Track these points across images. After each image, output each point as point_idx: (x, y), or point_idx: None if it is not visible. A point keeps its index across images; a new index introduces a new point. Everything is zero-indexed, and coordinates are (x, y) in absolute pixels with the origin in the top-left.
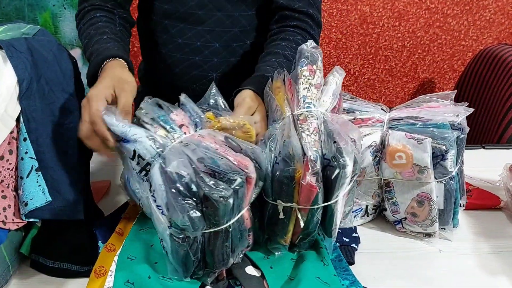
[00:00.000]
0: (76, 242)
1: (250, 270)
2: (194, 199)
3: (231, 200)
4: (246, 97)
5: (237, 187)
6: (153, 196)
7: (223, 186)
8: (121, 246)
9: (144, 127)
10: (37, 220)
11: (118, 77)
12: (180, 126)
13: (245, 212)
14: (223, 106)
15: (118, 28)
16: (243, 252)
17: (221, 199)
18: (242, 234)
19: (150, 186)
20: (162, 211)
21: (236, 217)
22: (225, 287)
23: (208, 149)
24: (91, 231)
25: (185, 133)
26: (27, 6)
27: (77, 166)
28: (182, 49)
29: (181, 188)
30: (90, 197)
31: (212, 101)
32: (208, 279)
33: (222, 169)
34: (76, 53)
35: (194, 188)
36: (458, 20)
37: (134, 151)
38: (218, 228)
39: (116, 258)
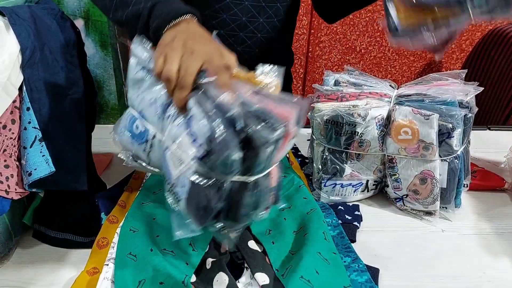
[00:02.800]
0: (79, 213)
1: (252, 244)
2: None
3: (270, 149)
4: None
5: (278, 137)
6: (187, 123)
7: (266, 132)
8: (124, 219)
9: None
10: (40, 191)
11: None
12: None
13: (274, 168)
14: None
15: None
16: (263, 213)
17: (265, 145)
18: (266, 192)
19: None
20: (196, 142)
21: (268, 170)
22: (227, 261)
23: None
24: (94, 202)
25: None
26: None
27: (80, 137)
28: (227, 25)
29: (229, 123)
30: (93, 169)
31: None
32: (227, 234)
33: (266, 115)
34: (79, 24)
35: (239, 125)
36: None
37: None
38: (251, 177)
39: (118, 230)
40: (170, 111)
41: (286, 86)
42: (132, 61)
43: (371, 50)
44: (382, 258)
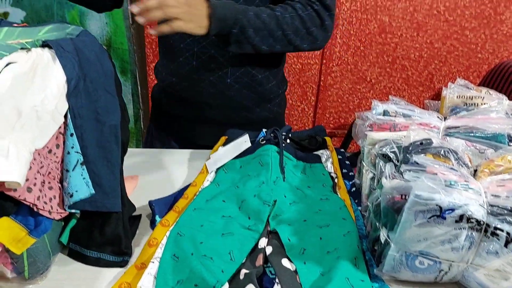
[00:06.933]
0: (112, 233)
1: (285, 262)
2: None
3: None
4: None
5: None
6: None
7: None
8: (175, 223)
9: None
10: (78, 211)
11: None
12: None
13: None
14: None
15: None
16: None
17: None
18: None
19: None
20: None
21: None
22: (259, 274)
23: None
24: (126, 223)
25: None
26: (56, 3)
27: (116, 161)
28: (200, 43)
29: None
30: (124, 191)
31: None
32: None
33: None
34: None
35: None
36: (476, 33)
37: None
38: None
39: (168, 233)
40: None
41: (281, 111)
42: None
43: (381, 80)
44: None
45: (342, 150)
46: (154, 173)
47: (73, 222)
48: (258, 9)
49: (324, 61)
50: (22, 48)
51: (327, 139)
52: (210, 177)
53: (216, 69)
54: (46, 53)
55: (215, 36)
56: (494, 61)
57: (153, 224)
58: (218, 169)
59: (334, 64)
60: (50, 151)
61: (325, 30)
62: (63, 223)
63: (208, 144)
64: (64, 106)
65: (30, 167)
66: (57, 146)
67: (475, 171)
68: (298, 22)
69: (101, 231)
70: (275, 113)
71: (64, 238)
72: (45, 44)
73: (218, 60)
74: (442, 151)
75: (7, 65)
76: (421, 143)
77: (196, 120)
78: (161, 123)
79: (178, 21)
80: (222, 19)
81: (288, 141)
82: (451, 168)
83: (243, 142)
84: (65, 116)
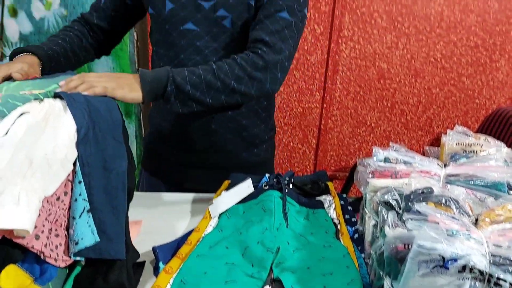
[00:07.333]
0: (116, 281)
1: None
2: None
3: None
4: None
5: None
6: None
7: None
8: (178, 270)
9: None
10: (83, 259)
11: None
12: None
13: None
14: None
15: (79, 40)
16: None
17: None
18: None
19: None
20: None
21: None
22: None
23: None
24: (130, 270)
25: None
26: None
27: (121, 208)
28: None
29: None
30: (128, 238)
31: None
32: None
33: None
34: None
35: None
36: (472, 80)
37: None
38: None
39: (171, 281)
40: None
41: (269, 156)
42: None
43: (380, 124)
44: None
45: (344, 195)
46: (158, 217)
47: (77, 269)
48: (193, 67)
49: (325, 105)
50: (35, 99)
51: (330, 184)
52: (213, 222)
53: (200, 115)
54: (58, 103)
55: (154, 100)
56: (492, 106)
57: (156, 271)
58: (221, 214)
59: (335, 108)
60: (58, 198)
61: (271, 72)
62: (67, 271)
63: (199, 188)
64: (74, 154)
65: (39, 214)
66: (65, 193)
67: (476, 220)
68: (237, 69)
69: (105, 278)
70: (263, 158)
71: (68, 286)
72: (57, 95)
73: None
74: (444, 199)
75: (21, 115)
76: (423, 192)
77: (185, 164)
78: (152, 167)
79: (107, 87)
80: (152, 80)
81: (291, 186)
82: (453, 217)
83: (246, 187)
84: (74, 164)
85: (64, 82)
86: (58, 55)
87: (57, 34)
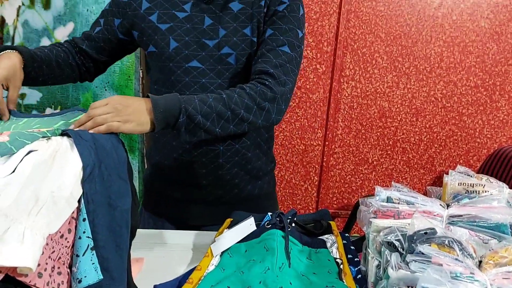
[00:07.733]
0: None
1: None
2: None
3: None
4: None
5: None
6: None
7: None
8: None
9: None
10: None
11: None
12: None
13: None
14: None
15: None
16: None
17: None
18: None
19: None
20: None
21: None
22: None
23: None
24: None
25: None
26: (71, 86)
27: (124, 245)
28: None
29: None
30: (130, 276)
31: None
32: None
33: None
34: None
35: None
36: (473, 119)
37: None
38: None
39: None
40: None
41: (271, 189)
42: None
43: (382, 162)
44: None
45: (346, 235)
46: (159, 255)
47: None
48: (204, 95)
49: (327, 143)
50: (43, 137)
51: (332, 223)
52: (215, 261)
53: (209, 151)
54: (65, 141)
55: (163, 129)
56: (493, 145)
57: None
58: (223, 252)
59: (337, 146)
60: (62, 236)
61: (278, 103)
62: None
63: (199, 224)
64: (79, 192)
65: (43, 252)
66: (69, 231)
67: (480, 262)
68: (247, 98)
69: None
70: (266, 190)
71: None
72: (64, 133)
73: (210, 142)
74: (447, 241)
75: (28, 152)
76: (426, 233)
77: (188, 200)
78: (152, 205)
79: (113, 125)
80: (165, 110)
81: (293, 225)
82: (456, 259)
83: (248, 225)
84: (79, 201)
85: (75, 125)
86: (42, 60)
87: (45, 46)
